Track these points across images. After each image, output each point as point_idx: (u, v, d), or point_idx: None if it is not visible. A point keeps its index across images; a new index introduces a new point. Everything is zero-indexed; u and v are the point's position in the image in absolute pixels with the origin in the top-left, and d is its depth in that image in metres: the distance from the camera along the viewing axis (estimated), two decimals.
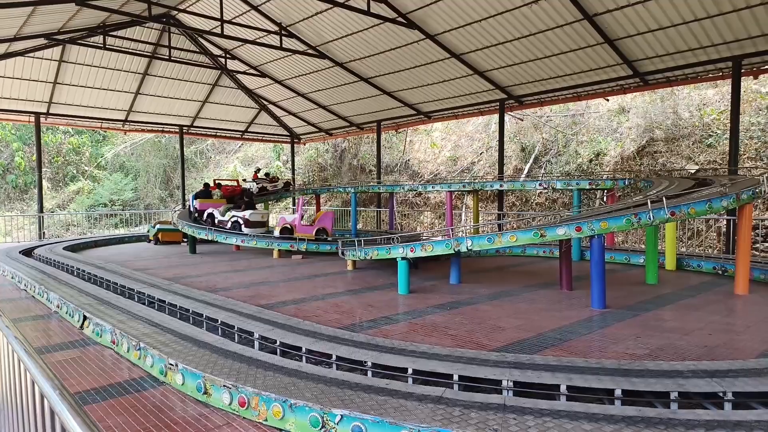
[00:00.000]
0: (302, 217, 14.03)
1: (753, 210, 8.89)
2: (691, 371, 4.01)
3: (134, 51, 16.51)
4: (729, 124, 11.95)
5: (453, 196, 16.96)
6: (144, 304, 7.29)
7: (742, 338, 5.57)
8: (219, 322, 5.95)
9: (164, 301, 7.08)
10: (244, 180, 18.14)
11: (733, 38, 10.68)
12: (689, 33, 10.90)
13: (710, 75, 12.52)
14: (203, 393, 4.07)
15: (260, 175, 18.47)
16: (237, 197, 16.03)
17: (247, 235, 13.18)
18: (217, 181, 16.89)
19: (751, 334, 5.74)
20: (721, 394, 3.60)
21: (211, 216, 14.81)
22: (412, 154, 26.39)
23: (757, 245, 12.96)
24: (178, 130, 21.70)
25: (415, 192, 22.56)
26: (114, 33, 15.75)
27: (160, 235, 16.64)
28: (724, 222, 12.39)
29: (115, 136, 32.48)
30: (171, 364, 4.40)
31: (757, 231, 12.95)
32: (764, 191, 7.86)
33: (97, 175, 32.11)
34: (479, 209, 16.71)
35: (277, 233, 13.58)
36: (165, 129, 21.82)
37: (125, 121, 20.22)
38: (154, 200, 32.08)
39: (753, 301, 7.48)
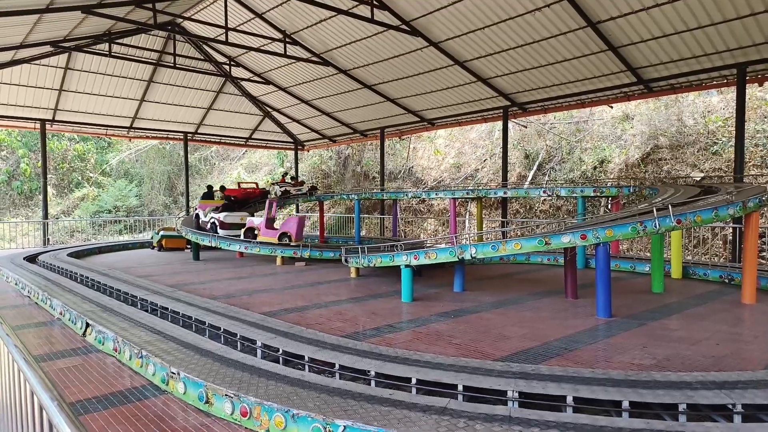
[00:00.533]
0: (271, 221, 14.02)
1: (759, 218, 8.80)
2: (700, 382, 3.94)
3: (139, 58, 16.61)
4: (734, 132, 11.88)
5: (457, 203, 16.90)
6: (147, 311, 7.28)
7: (750, 348, 5.50)
8: (221, 330, 5.92)
9: (167, 309, 7.06)
10: (273, 184, 18.20)
11: (737, 45, 10.64)
12: (693, 40, 10.87)
13: (715, 82, 12.47)
14: (205, 402, 4.04)
15: (287, 179, 18.37)
16: (253, 200, 16.12)
17: (249, 242, 13.16)
18: (241, 184, 17.13)
19: (759, 344, 5.66)
20: (730, 406, 3.53)
21: (197, 216, 15.02)
22: (415, 161, 26.38)
23: (764, 254, 12.85)
24: (182, 137, 21.78)
25: (418, 199, 22.53)
26: (119, 40, 15.86)
27: (163, 242, 16.65)
28: (730, 230, 12.30)
29: (120, 142, 32.65)
30: (173, 373, 4.37)
31: (763, 239, 12.84)
32: None
33: (102, 182, 32.24)
34: (483, 216, 16.66)
35: (242, 235, 13.68)
36: (169, 136, 21.90)
37: (130, 128, 20.31)
38: (159, 207, 32.17)
39: (760, 310, 7.39)
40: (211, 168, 34.77)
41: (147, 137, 22.22)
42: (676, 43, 11.13)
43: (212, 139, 23.29)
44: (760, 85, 12.54)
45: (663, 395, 3.71)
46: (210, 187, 16.39)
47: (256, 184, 17.85)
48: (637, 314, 7.14)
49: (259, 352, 5.26)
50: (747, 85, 11.39)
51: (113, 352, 5.53)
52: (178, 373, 4.29)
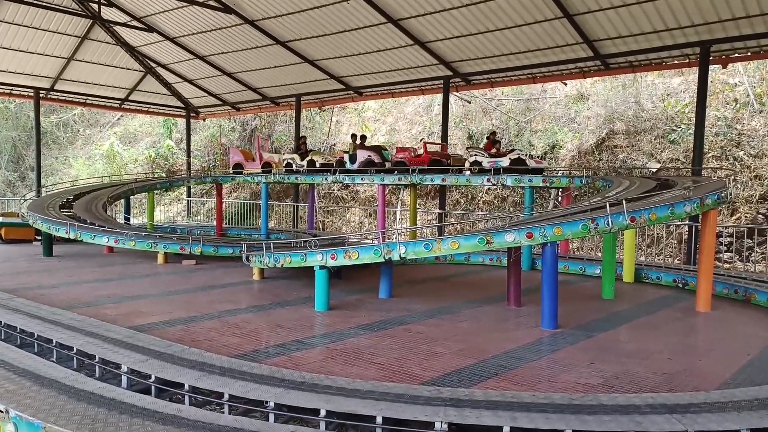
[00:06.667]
0: None
1: (717, 216, 9.56)
2: (650, 405, 4.18)
3: None
4: (694, 119, 12.82)
5: (386, 191, 16.98)
6: None
7: (705, 363, 5.95)
8: (74, 350, 5.51)
9: None
10: (468, 148, 15.53)
11: (702, 21, 11.44)
12: (655, 12, 11.56)
13: (676, 61, 13.41)
14: None
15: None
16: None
17: (122, 233, 12.38)
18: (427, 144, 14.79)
19: (714, 357, 6.15)
20: None
21: None
22: (339, 137, 26.20)
23: (721, 255, 14.06)
24: (32, 94, 20.09)
25: (341, 184, 22.40)
26: None
27: (2, 231, 15.41)
28: (686, 228, 13.32)
29: None
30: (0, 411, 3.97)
31: (720, 239, 14.03)
32: (730, 195, 8.47)
33: None
34: (417, 207, 16.84)
35: None
36: (14, 92, 20.14)
37: None
38: None
39: (716, 318, 8.05)
40: (74, 136, 32.53)
41: None
42: (637, 15, 11.77)
43: (75, 99, 21.76)
44: (724, 66, 13.65)
45: (609, 422, 3.88)
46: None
47: (444, 145, 15.61)
48: (585, 324, 7.51)
49: (124, 379, 4.94)
50: (710, 66, 12.31)
51: None
52: (7, 411, 3.91)
